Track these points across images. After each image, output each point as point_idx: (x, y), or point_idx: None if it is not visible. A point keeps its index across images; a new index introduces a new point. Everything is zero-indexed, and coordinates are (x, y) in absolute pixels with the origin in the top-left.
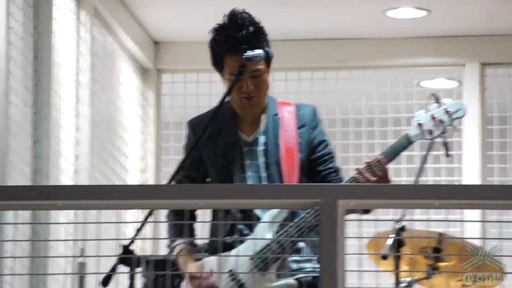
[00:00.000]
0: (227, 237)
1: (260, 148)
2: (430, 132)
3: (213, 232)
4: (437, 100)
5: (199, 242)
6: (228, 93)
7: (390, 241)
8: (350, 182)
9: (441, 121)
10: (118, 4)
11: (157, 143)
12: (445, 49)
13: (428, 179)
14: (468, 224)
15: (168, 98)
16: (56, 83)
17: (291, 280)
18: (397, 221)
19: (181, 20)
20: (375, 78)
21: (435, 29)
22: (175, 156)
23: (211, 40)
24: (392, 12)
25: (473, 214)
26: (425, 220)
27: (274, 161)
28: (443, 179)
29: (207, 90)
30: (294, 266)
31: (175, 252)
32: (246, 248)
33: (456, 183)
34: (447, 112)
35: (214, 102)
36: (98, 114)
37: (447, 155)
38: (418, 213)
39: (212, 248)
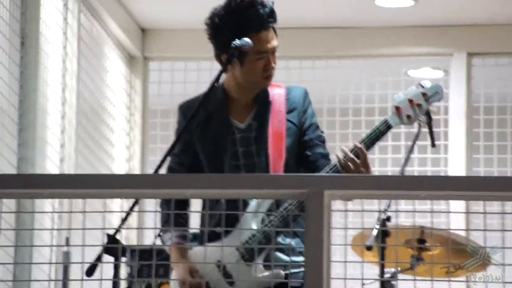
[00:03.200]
0: (217, 228)
1: (253, 134)
2: (408, 116)
3: (204, 220)
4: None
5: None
6: (219, 77)
7: (375, 232)
8: (331, 169)
9: (419, 105)
10: None
11: (143, 131)
12: (432, 38)
13: (414, 169)
14: (453, 215)
15: (155, 86)
16: (43, 70)
17: (279, 271)
18: (383, 211)
19: (169, 8)
20: (364, 67)
21: (422, 18)
22: (162, 145)
23: (229, 25)
24: (381, 1)
25: (458, 205)
26: (410, 211)
27: (263, 146)
28: (429, 170)
29: (194, 78)
30: (284, 257)
31: (166, 244)
32: (233, 238)
33: (442, 174)
34: (424, 95)
35: (201, 90)
36: (85, 101)
37: (433, 145)
38: (403, 204)
39: (202, 237)
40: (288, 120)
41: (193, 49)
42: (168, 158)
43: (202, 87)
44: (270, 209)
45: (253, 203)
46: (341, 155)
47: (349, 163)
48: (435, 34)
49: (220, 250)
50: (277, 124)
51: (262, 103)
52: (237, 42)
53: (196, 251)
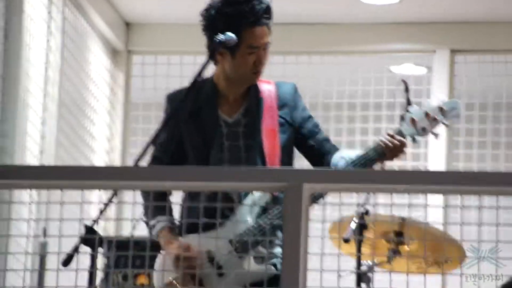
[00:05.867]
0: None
1: (242, 129)
2: (423, 129)
3: (187, 211)
4: (406, 87)
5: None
6: (203, 68)
7: (353, 225)
8: (375, 148)
9: (435, 119)
10: None
11: (125, 124)
12: (415, 35)
13: (394, 164)
14: (431, 209)
15: (139, 80)
16: (25, 62)
17: (270, 266)
18: (361, 205)
19: (153, 2)
20: (347, 63)
21: (406, 15)
22: (143, 138)
23: (224, 18)
24: None
25: (436, 199)
26: (388, 204)
27: (256, 143)
28: (409, 164)
29: (177, 72)
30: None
31: (155, 230)
32: (226, 231)
33: (421, 168)
34: (441, 110)
35: (184, 84)
36: (67, 94)
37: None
38: (381, 198)
39: (187, 228)
40: (280, 117)
41: (177, 43)
42: (150, 149)
43: (185, 81)
44: (267, 203)
45: (250, 197)
46: (387, 138)
47: (394, 145)
48: (418, 31)
49: (212, 241)
50: (270, 121)
51: (253, 99)
52: (221, 36)
53: (187, 240)
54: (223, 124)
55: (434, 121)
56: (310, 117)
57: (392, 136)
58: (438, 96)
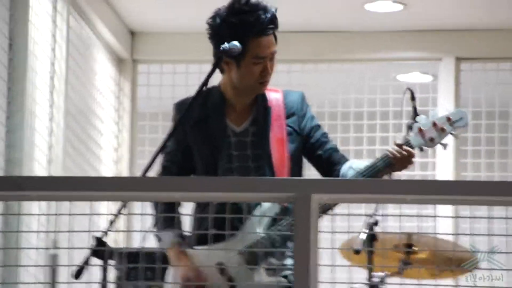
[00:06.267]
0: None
1: (250, 139)
2: (431, 139)
3: (197, 222)
4: (413, 95)
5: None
6: (209, 77)
7: (363, 236)
8: (382, 160)
9: (443, 129)
10: None
11: (132, 134)
12: (421, 43)
13: (402, 173)
14: (441, 220)
15: (144, 89)
16: (31, 72)
17: (281, 278)
18: (370, 215)
19: (158, 11)
20: (352, 71)
21: (411, 23)
22: (150, 147)
23: (229, 27)
24: (370, 6)
25: (445, 209)
26: (397, 215)
27: (265, 153)
28: (417, 174)
29: (183, 81)
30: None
31: (164, 244)
32: (236, 242)
33: (429, 178)
34: (449, 120)
35: (190, 93)
36: (73, 104)
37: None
38: (391, 208)
39: (197, 239)
40: (288, 126)
41: (182, 52)
42: (158, 159)
43: (191, 90)
44: (277, 214)
45: (260, 208)
46: (395, 148)
47: (402, 155)
48: (424, 39)
49: (222, 252)
50: (278, 130)
51: (261, 108)
52: (225, 45)
53: (197, 252)
54: (231, 134)
55: (442, 131)
56: (318, 126)
57: (400, 146)
58: (445, 106)
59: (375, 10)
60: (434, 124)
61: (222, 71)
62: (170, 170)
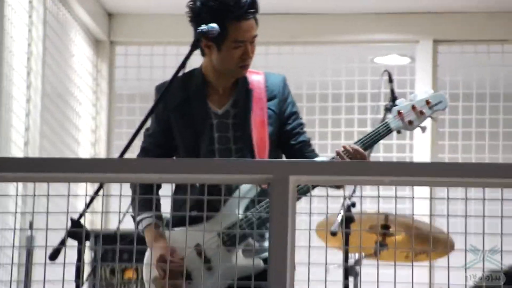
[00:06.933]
0: (195, 212)
1: (231, 120)
2: (410, 122)
3: (176, 204)
4: (390, 77)
5: (164, 214)
6: (187, 59)
7: (339, 218)
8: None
9: (422, 112)
10: None
11: (109, 115)
12: (399, 25)
13: (379, 155)
14: (417, 201)
15: (122, 71)
16: (7, 53)
17: (259, 260)
18: (347, 197)
19: None
20: (330, 53)
21: (389, 5)
22: (128, 129)
23: (208, 11)
24: None
25: (422, 191)
26: (374, 197)
27: (245, 134)
28: (394, 156)
29: (161, 62)
30: (260, 244)
31: (141, 226)
32: (214, 224)
33: (407, 160)
34: (428, 103)
35: (167, 75)
36: (50, 85)
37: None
38: (368, 190)
39: (176, 221)
40: (269, 108)
41: (160, 34)
42: (136, 140)
43: (168, 72)
44: (257, 195)
45: (239, 189)
46: (341, 150)
47: (349, 158)
48: (401, 21)
49: (199, 234)
50: (259, 112)
51: (242, 90)
52: (204, 27)
53: (174, 233)
54: (212, 116)
55: (420, 114)
56: (296, 114)
57: (346, 148)
58: (424, 89)
59: None
60: (413, 107)
61: (203, 54)
62: (151, 152)
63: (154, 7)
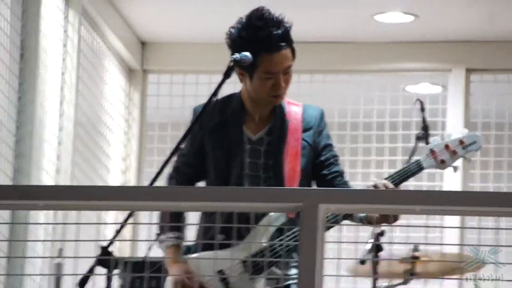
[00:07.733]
0: (221, 236)
1: (264, 148)
2: (442, 161)
3: (203, 229)
4: (422, 106)
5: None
6: (220, 86)
7: (368, 246)
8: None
9: (455, 152)
10: (107, 4)
11: (140, 143)
12: (431, 54)
13: (410, 184)
14: (447, 230)
15: (154, 99)
16: (41, 82)
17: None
18: (377, 226)
19: (169, 21)
20: (362, 82)
21: (422, 34)
22: (159, 157)
23: (241, 41)
24: (380, 17)
25: (452, 220)
26: (404, 226)
27: (276, 163)
28: (424, 184)
29: (193, 91)
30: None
31: (163, 246)
32: (239, 250)
33: (437, 189)
34: (462, 143)
35: (199, 103)
36: (82, 113)
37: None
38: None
39: (202, 246)
40: (303, 139)
41: (192, 62)
42: (166, 168)
43: (200, 101)
44: (283, 224)
45: (265, 217)
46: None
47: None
48: (434, 49)
49: (224, 260)
50: (294, 143)
51: (278, 119)
52: (237, 55)
53: (194, 261)
54: (246, 141)
55: (453, 154)
56: (331, 146)
57: (377, 186)
58: (459, 128)
59: (385, 21)
60: (447, 146)
61: (240, 80)
62: (181, 170)
63: (186, 36)
